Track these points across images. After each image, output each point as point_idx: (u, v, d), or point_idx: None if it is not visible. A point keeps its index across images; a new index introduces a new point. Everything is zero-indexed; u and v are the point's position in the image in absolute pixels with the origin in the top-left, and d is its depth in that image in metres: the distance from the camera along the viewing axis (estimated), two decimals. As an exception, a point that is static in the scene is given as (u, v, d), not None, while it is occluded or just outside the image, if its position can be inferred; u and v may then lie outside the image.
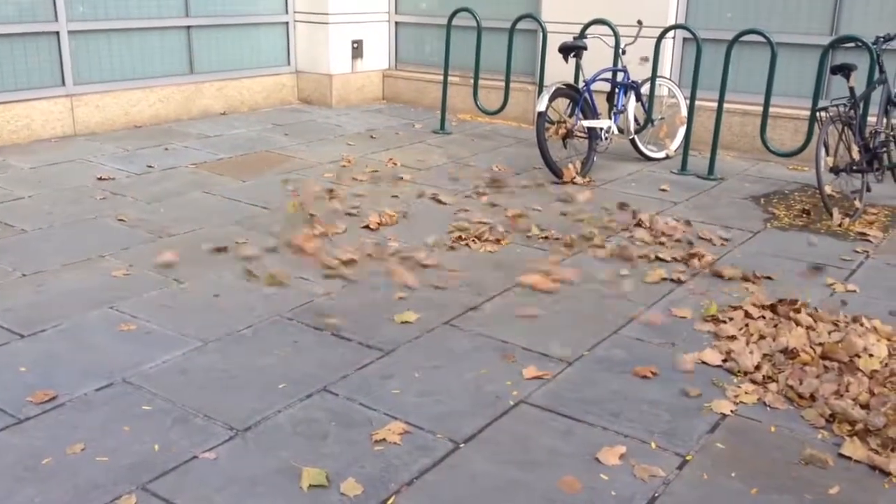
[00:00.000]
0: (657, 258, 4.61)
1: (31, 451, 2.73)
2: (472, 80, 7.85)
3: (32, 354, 3.37)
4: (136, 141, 7.10)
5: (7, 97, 6.80)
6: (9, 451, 2.72)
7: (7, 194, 5.49)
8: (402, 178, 6.11)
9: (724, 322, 3.78)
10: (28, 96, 6.92)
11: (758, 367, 3.36)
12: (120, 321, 3.68)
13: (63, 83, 7.16)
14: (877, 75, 5.66)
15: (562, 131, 6.21)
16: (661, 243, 4.85)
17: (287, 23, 8.94)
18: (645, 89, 6.85)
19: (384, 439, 2.83)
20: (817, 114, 5.56)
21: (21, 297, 3.91)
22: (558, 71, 7.29)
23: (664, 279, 4.32)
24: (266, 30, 8.79)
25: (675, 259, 4.60)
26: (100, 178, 5.91)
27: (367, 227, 5.01)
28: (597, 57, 7.06)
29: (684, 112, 6.90)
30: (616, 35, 6.82)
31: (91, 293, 3.97)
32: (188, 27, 8.05)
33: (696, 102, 6.55)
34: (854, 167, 5.49)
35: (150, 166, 6.30)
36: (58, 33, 7.05)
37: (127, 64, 7.62)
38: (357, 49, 9.05)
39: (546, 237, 4.92)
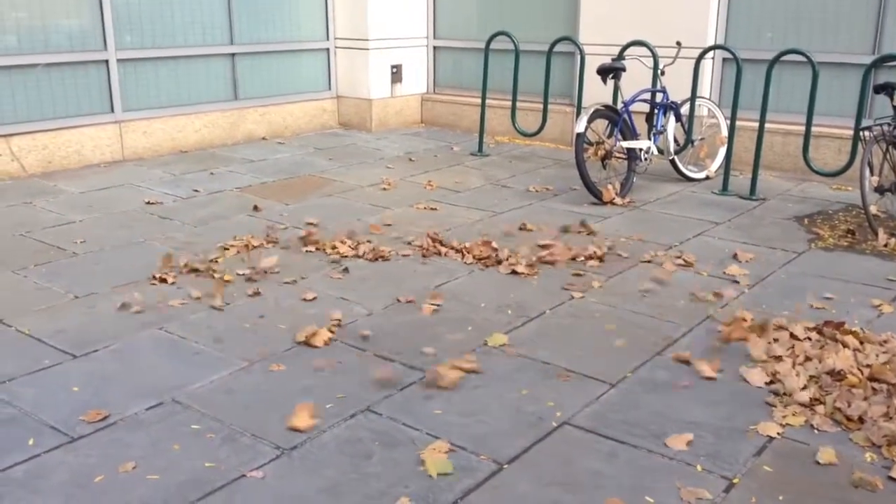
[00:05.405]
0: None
1: (83, 469, 2.80)
2: (510, 103, 7.91)
3: (84, 374, 3.46)
4: (183, 166, 7.26)
5: (58, 124, 7.01)
6: (62, 469, 2.79)
7: (59, 218, 5.65)
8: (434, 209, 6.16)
9: (770, 343, 3.74)
10: (78, 123, 7.14)
11: (804, 389, 3.32)
12: (169, 342, 3.76)
13: (112, 110, 7.36)
14: (921, 94, 5.59)
15: (601, 152, 6.21)
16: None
17: (328, 49, 9.10)
18: (684, 110, 6.84)
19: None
20: (861, 133, 5.51)
21: (73, 318, 4.02)
22: (597, 92, 7.31)
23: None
24: (308, 56, 8.95)
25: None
26: (148, 203, 6.05)
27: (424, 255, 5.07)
28: (635, 78, 7.08)
29: (724, 132, 6.87)
30: (655, 56, 6.82)
31: (141, 315, 4.06)
32: (232, 54, 8.23)
33: (737, 122, 6.51)
34: (899, 186, 5.42)
35: (196, 190, 6.43)
36: (107, 62, 7.26)
37: (173, 91, 7.82)
38: (396, 74, 9.17)
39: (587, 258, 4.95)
